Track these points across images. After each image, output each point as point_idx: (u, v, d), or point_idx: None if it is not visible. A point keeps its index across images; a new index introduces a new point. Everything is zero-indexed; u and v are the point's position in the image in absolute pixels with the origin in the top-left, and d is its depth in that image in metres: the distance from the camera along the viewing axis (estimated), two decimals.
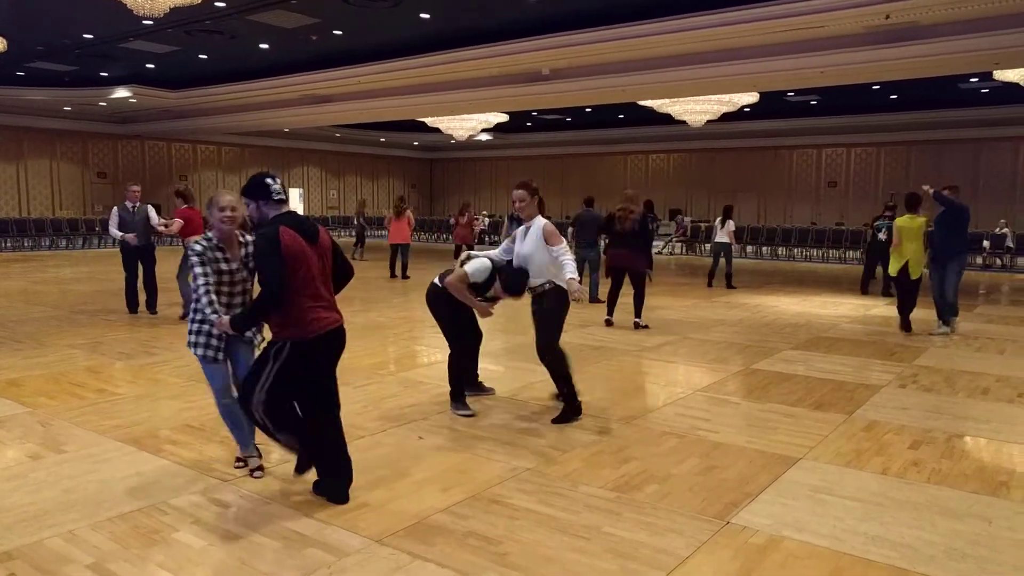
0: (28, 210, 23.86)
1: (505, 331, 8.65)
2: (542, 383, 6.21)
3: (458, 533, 3.40)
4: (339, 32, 14.70)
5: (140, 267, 9.58)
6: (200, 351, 3.88)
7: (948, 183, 9.08)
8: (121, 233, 9.30)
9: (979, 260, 18.51)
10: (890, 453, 4.53)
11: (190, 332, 3.91)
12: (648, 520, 3.56)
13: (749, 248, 22.30)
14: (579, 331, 8.69)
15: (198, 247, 3.76)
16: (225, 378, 3.98)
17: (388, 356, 7.54)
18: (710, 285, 13.42)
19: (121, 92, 20.36)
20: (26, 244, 21.54)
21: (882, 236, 11.60)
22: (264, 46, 16.06)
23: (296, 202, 30.98)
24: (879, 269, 12.31)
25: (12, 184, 23.86)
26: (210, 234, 3.85)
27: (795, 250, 21.77)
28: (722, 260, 13.42)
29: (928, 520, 3.58)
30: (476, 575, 3.03)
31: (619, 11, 12.60)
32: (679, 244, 23.13)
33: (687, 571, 3.09)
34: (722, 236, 13.28)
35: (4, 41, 14.69)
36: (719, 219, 13.33)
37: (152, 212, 9.52)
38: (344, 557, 3.17)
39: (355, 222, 20.38)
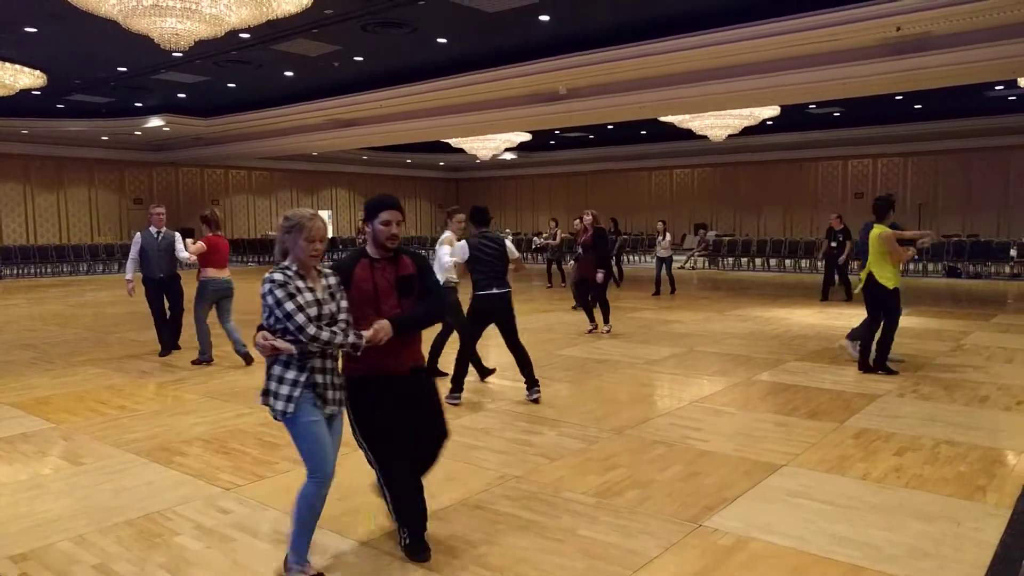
0: (68, 237, 24.77)
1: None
2: (545, 393, 6.37)
3: (440, 536, 3.57)
4: (360, 58, 15.15)
5: (166, 301, 8.43)
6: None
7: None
8: (130, 276, 8.35)
9: (1007, 269, 18.22)
10: (874, 459, 4.59)
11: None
12: (623, 523, 3.70)
13: (772, 261, 22.17)
14: (585, 345, 8.83)
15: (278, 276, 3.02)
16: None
17: None
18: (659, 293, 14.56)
19: (155, 121, 21.17)
20: (65, 270, 22.34)
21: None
22: (289, 74, 16.59)
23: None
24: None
25: (53, 212, 24.81)
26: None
27: (820, 263, 21.53)
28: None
29: (898, 522, 3.66)
30: (453, 575, 3.21)
31: (632, 30, 12.80)
32: (700, 259, 23.10)
33: (653, 570, 3.23)
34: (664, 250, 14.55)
35: (44, 76, 15.46)
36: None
37: (179, 241, 8.24)
38: (332, 558, 3.37)
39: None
